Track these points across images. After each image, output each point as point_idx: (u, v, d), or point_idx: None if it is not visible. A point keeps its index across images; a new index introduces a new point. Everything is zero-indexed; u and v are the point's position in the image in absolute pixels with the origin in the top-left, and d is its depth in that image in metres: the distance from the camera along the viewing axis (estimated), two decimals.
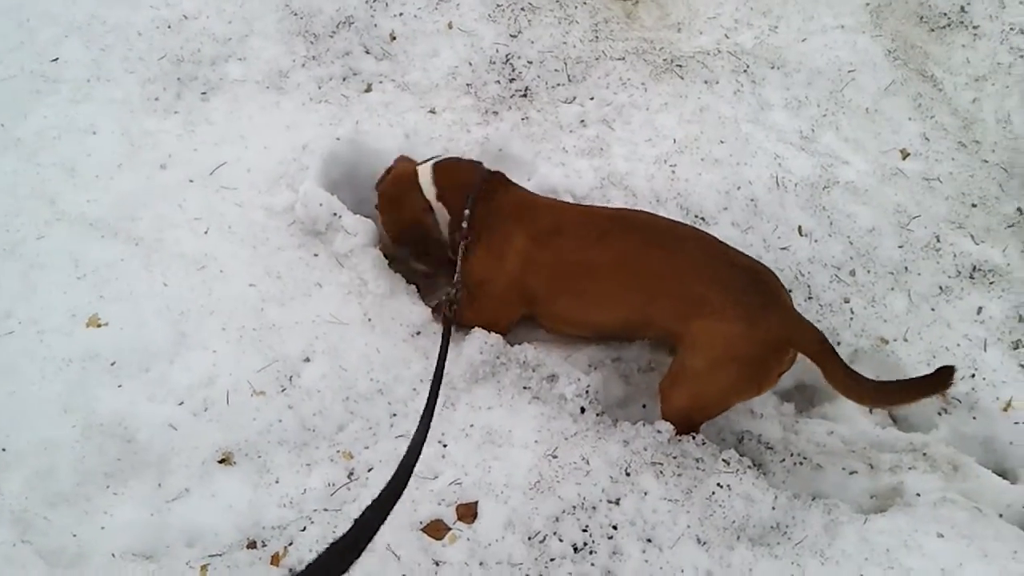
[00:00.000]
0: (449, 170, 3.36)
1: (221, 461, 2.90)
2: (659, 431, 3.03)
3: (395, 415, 3.11)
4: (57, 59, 4.13)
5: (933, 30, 4.70)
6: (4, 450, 2.82)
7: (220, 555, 2.68)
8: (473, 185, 3.26)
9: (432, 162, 3.37)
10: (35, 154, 3.70)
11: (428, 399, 2.69)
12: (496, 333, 3.30)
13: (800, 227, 3.77)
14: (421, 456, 2.84)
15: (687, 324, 2.94)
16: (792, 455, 3.14)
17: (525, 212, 3.22)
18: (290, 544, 2.73)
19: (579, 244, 3.11)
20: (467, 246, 3.23)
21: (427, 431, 2.56)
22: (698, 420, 3.09)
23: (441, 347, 2.96)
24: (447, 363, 2.96)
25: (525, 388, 3.17)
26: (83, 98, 3.96)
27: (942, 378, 2.66)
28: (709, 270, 2.94)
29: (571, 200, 3.64)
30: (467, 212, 3.22)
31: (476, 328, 3.30)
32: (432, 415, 2.64)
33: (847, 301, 3.58)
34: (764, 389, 3.04)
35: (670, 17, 4.84)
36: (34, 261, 3.33)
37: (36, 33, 4.24)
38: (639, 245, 3.04)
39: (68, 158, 3.71)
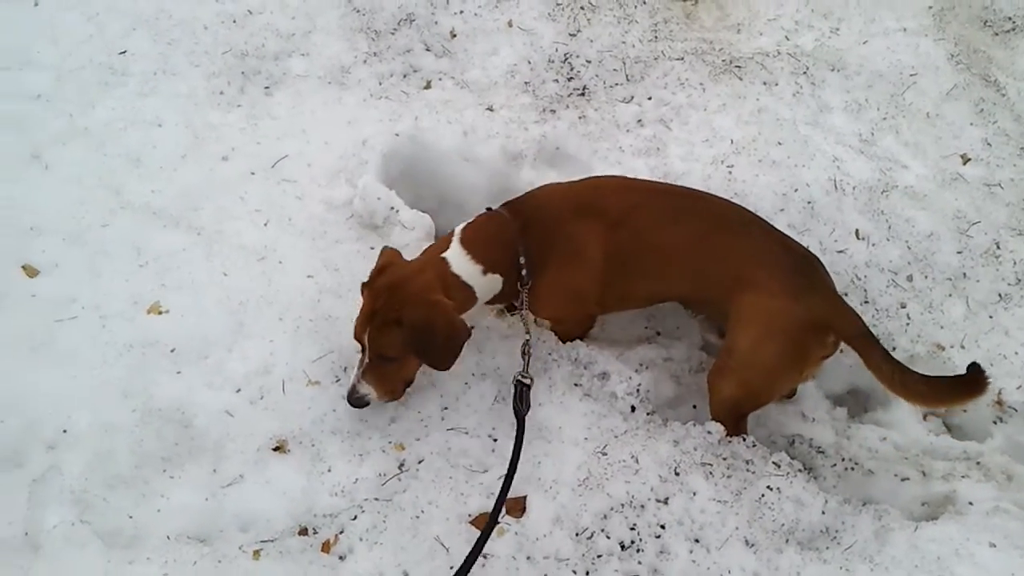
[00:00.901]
0: (478, 234, 3.08)
1: (275, 449, 2.95)
2: (709, 432, 3.03)
3: (446, 408, 3.13)
4: (125, 52, 4.23)
5: (997, 34, 4.63)
6: (65, 432, 2.89)
7: (272, 541, 2.73)
8: (509, 231, 3.05)
9: (457, 241, 3.05)
10: (102, 144, 3.80)
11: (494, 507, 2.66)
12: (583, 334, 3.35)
13: (857, 231, 3.73)
14: (472, 453, 2.90)
15: (736, 300, 2.95)
16: (843, 460, 3.12)
17: (591, 202, 3.11)
18: (341, 532, 2.77)
19: (654, 224, 3.08)
20: (534, 285, 3.09)
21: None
22: (746, 408, 3.07)
23: (514, 448, 2.82)
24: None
25: (576, 385, 3.18)
26: (149, 91, 4.05)
27: (978, 380, 2.64)
28: (762, 251, 2.97)
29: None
30: (524, 261, 3.04)
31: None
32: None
33: (903, 306, 3.54)
34: (806, 373, 3.02)
35: (730, 18, 4.82)
36: (98, 248, 3.42)
37: (105, 27, 4.34)
38: (708, 226, 3.05)
39: (134, 149, 3.80)
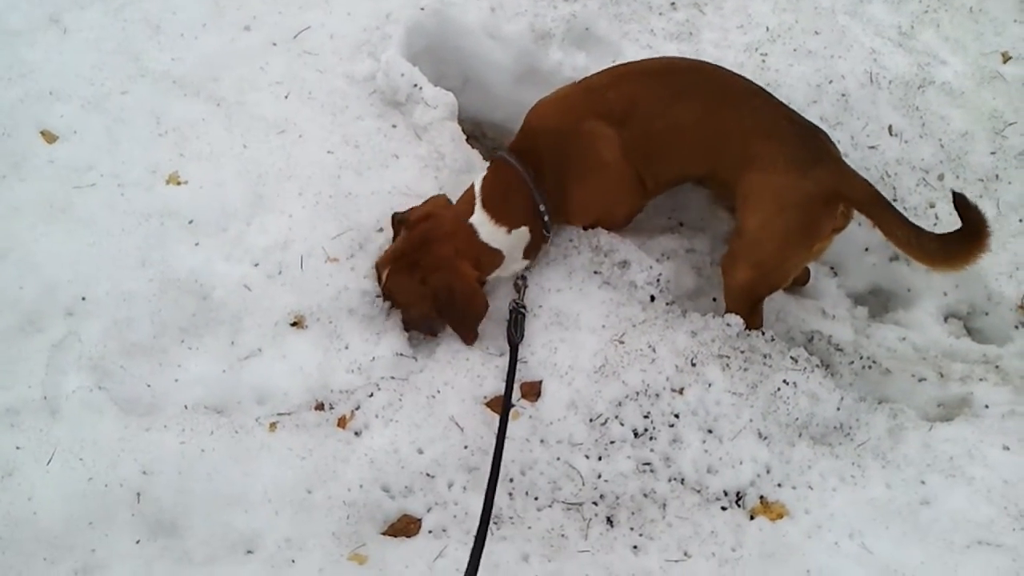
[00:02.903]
0: (500, 188, 3.04)
1: (293, 324, 2.95)
2: (728, 324, 3.01)
3: None
4: None
5: None
6: (84, 299, 2.90)
7: (289, 414, 2.76)
8: (523, 179, 3.02)
9: (480, 205, 3.01)
10: (121, 9, 3.72)
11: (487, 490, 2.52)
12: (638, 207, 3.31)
13: (890, 126, 3.64)
14: (488, 336, 2.88)
15: (743, 178, 2.90)
16: (861, 358, 3.10)
17: (589, 107, 3.04)
18: (357, 408, 2.79)
19: (659, 109, 3.00)
20: (556, 204, 3.07)
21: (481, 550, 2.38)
22: (760, 292, 3.04)
23: (508, 374, 2.81)
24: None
25: (596, 273, 3.15)
26: None
27: (978, 225, 2.58)
28: (767, 124, 2.90)
29: None
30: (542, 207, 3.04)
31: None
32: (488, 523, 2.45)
33: (932, 206, 3.47)
34: (817, 246, 2.96)
35: None
36: (117, 116, 3.37)
37: None
38: (711, 101, 2.97)
39: (153, 15, 3.72)
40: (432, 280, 2.88)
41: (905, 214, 3.28)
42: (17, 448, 2.57)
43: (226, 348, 2.89)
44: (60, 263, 2.96)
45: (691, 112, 2.97)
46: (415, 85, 3.51)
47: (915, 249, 2.69)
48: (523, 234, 3.03)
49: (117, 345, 2.83)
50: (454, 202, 3.10)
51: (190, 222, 3.12)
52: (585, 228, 3.23)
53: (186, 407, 2.74)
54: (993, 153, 3.61)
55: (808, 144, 2.85)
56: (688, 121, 2.97)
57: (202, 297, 2.96)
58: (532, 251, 3.10)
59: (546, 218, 3.06)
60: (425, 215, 3.00)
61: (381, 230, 3.18)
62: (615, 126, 3.00)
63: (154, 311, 2.91)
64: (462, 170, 3.36)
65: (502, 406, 2.71)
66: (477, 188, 3.04)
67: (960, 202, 2.60)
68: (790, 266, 3.01)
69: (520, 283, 3.09)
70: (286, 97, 3.49)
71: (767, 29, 3.90)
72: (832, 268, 3.43)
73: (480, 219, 2.99)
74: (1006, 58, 3.94)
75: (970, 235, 2.59)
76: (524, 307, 3.02)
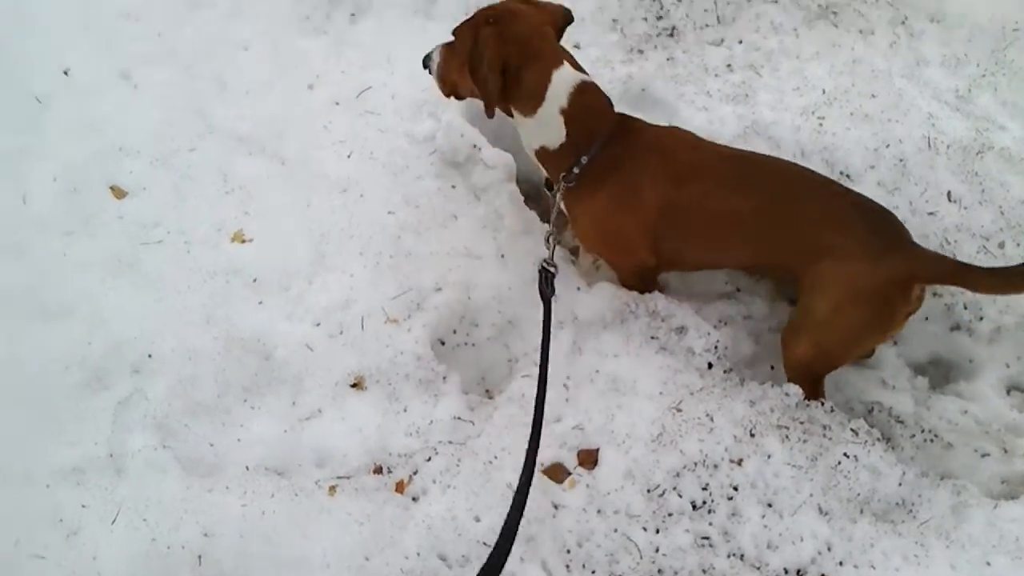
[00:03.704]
0: (593, 92, 3.00)
1: (353, 385, 2.98)
2: (787, 394, 2.99)
3: (525, 354, 3.15)
4: None
5: None
6: (150, 356, 2.95)
7: (348, 478, 2.78)
8: (605, 121, 3.01)
9: (581, 79, 2.96)
10: (190, 66, 3.81)
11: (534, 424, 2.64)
12: (639, 283, 3.26)
13: (949, 192, 3.62)
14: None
15: (812, 266, 2.87)
16: (923, 431, 3.07)
17: (662, 149, 3.03)
18: (415, 473, 2.81)
19: (719, 188, 2.97)
20: (578, 192, 3.05)
21: (531, 475, 2.50)
22: (821, 370, 3.02)
23: (544, 331, 2.88)
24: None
25: (653, 338, 3.15)
26: (237, 12, 4.04)
27: None
28: (837, 214, 2.86)
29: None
30: (587, 155, 2.98)
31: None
32: (538, 445, 2.58)
33: None
34: (890, 333, 2.96)
35: None
36: (185, 172, 3.45)
37: None
38: (776, 194, 2.93)
39: (220, 72, 3.81)
40: (490, 31, 2.87)
41: None
42: (83, 506, 2.62)
43: (287, 408, 2.93)
44: (127, 319, 3.03)
45: (752, 202, 2.93)
46: (474, 146, 3.56)
47: (1009, 286, 2.70)
48: (560, 127, 2.97)
49: (182, 403, 2.87)
50: None
51: (254, 280, 3.17)
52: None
53: (247, 468, 2.77)
54: None
55: (879, 230, 2.83)
56: (747, 210, 2.93)
57: (264, 356, 3.00)
58: (550, 160, 3.06)
59: (583, 160, 2.99)
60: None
61: (439, 290, 3.21)
62: (671, 182, 2.97)
63: (218, 370, 2.96)
64: (520, 232, 3.39)
65: (540, 365, 2.76)
66: (579, 74, 2.99)
67: None
68: (858, 350, 3.01)
69: (550, 239, 3.11)
70: (348, 156, 3.55)
71: (823, 92, 3.90)
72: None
73: (567, 69, 2.95)
74: None
75: None
76: (554, 265, 3.05)
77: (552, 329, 3.09)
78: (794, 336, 2.96)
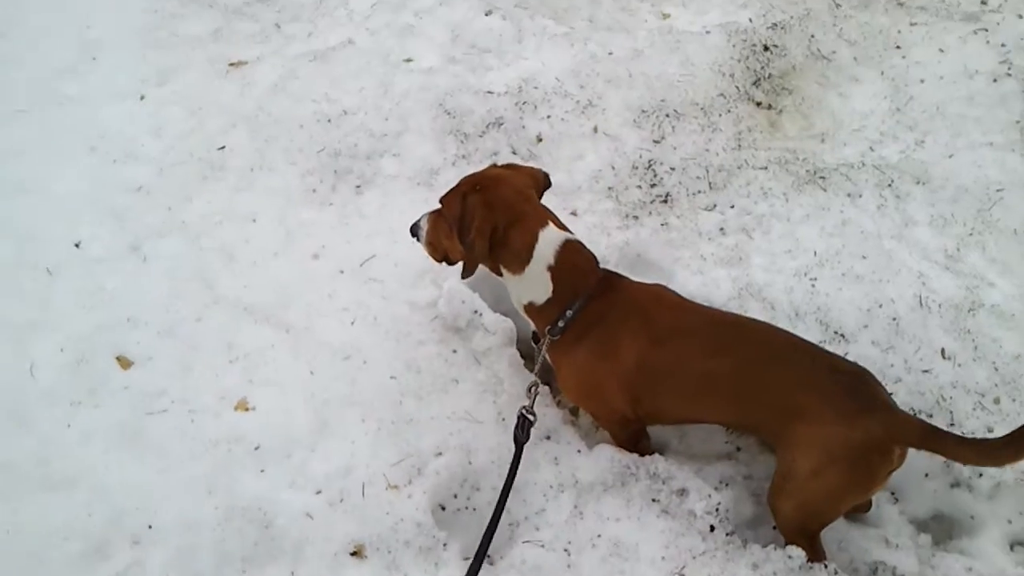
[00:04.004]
0: (578, 250, 3.14)
1: (353, 554, 2.97)
2: (790, 556, 2.96)
3: (526, 518, 3.14)
4: (224, 147, 4.41)
5: None
6: (150, 527, 2.96)
7: None
8: (590, 277, 3.11)
9: (566, 237, 3.11)
10: (198, 238, 3.94)
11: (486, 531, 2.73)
12: (623, 434, 3.29)
13: (943, 350, 3.67)
14: (547, 569, 2.87)
15: (787, 428, 2.87)
16: None
17: (643, 308, 3.11)
18: None
19: (696, 349, 3.03)
20: (561, 346, 3.13)
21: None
22: (813, 528, 3.00)
23: (509, 472, 2.95)
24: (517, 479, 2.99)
25: (654, 501, 3.15)
26: (246, 186, 4.21)
27: None
28: (812, 378, 2.88)
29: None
30: (572, 310, 3.07)
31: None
32: (489, 543, 2.69)
33: (991, 430, 3.45)
34: (873, 490, 2.96)
35: (814, 127, 4.84)
36: (191, 342, 3.53)
37: (206, 122, 4.54)
38: (753, 357, 2.97)
39: (228, 243, 3.94)
40: (474, 199, 3.02)
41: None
42: None
43: None
44: (129, 489, 3.06)
45: (730, 364, 2.97)
46: (475, 311, 3.65)
47: (986, 460, 2.71)
48: (547, 283, 3.07)
49: (179, 575, 2.86)
50: None
51: (256, 448, 3.20)
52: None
53: None
54: None
55: (855, 393, 2.83)
56: (725, 372, 2.97)
57: (265, 526, 3.00)
58: (537, 314, 3.14)
59: (567, 314, 3.06)
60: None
61: (440, 455, 3.23)
62: (650, 342, 3.03)
63: (218, 540, 2.96)
64: (520, 396, 3.43)
65: (497, 503, 2.82)
66: (565, 235, 3.13)
67: None
68: (843, 508, 2.99)
69: (533, 389, 3.15)
70: (352, 323, 3.64)
71: (815, 253, 4.01)
72: (893, 494, 3.38)
73: (552, 229, 3.09)
74: None
75: None
76: (533, 414, 3.10)
77: (553, 493, 3.12)
78: (778, 498, 2.96)
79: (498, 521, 2.77)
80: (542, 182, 3.27)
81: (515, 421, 3.11)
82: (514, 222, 3.05)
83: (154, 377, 3.42)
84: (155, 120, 4.57)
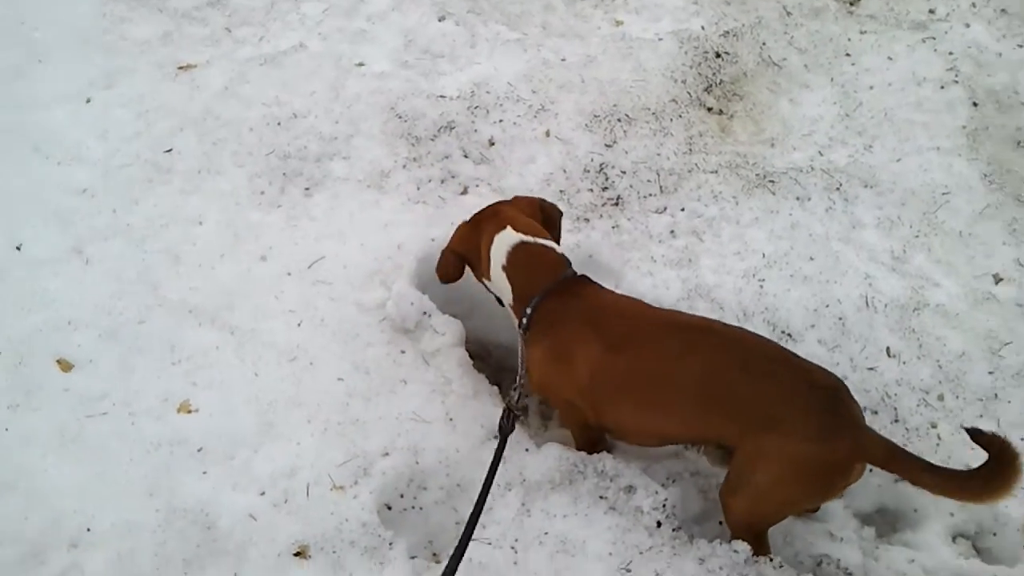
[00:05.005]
0: (533, 251, 3.23)
1: (297, 554, 2.93)
2: (736, 551, 2.96)
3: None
4: (171, 150, 4.36)
5: None
6: (89, 530, 2.91)
7: None
8: (546, 276, 3.17)
9: (521, 238, 3.22)
10: (143, 241, 3.89)
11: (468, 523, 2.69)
12: (584, 436, 3.29)
13: (888, 348, 3.71)
14: (493, 566, 2.85)
15: (757, 437, 2.82)
16: None
17: (601, 314, 3.11)
18: None
19: (660, 355, 3.00)
20: (528, 342, 3.17)
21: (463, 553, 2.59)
22: (760, 528, 3.01)
23: (493, 461, 2.93)
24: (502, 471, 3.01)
25: (602, 498, 3.14)
26: (193, 189, 4.16)
27: (1001, 450, 2.52)
28: (787, 390, 2.82)
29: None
30: (530, 307, 3.13)
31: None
32: (469, 538, 2.66)
33: (934, 426, 3.49)
34: (828, 500, 3.02)
35: (764, 132, 4.88)
36: (133, 345, 3.48)
37: (153, 125, 4.49)
38: (723, 364, 2.91)
39: (174, 246, 3.89)
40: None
41: (907, 434, 3.33)
42: None
43: None
44: (67, 494, 3.00)
45: (693, 372, 2.92)
46: (424, 313, 3.63)
47: (947, 492, 2.66)
48: (506, 283, 3.23)
49: None
50: None
51: (199, 450, 3.16)
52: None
53: None
54: (991, 373, 3.65)
55: (829, 409, 2.78)
56: (687, 379, 2.93)
57: (207, 527, 2.96)
58: (515, 313, 3.24)
59: (529, 313, 3.14)
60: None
61: (387, 455, 3.20)
62: (604, 350, 3.01)
63: (159, 543, 2.91)
64: (469, 395, 3.42)
65: (480, 495, 2.79)
66: (525, 237, 3.25)
67: (977, 438, 2.59)
68: (793, 512, 3.01)
69: (518, 382, 3.14)
70: (299, 325, 3.60)
71: (764, 256, 4.03)
72: None
73: (508, 232, 3.25)
74: (997, 279, 4.05)
75: (1001, 463, 2.54)
76: (519, 410, 3.11)
77: (500, 491, 3.10)
78: (732, 497, 2.94)
79: (481, 509, 2.74)
80: (538, 205, 3.48)
81: (501, 413, 3.13)
82: (480, 235, 3.28)
83: (95, 380, 3.36)
84: (101, 123, 4.51)
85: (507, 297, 3.25)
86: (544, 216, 3.46)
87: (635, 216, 4.24)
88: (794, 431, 2.76)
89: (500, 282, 3.25)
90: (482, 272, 3.32)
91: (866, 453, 2.75)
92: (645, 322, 3.10)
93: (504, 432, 3.05)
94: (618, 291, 3.40)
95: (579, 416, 3.21)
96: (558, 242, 3.43)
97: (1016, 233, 4.26)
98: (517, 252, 3.21)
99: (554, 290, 3.13)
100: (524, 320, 3.14)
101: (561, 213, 3.57)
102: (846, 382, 3.37)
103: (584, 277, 3.24)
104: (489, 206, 3.43)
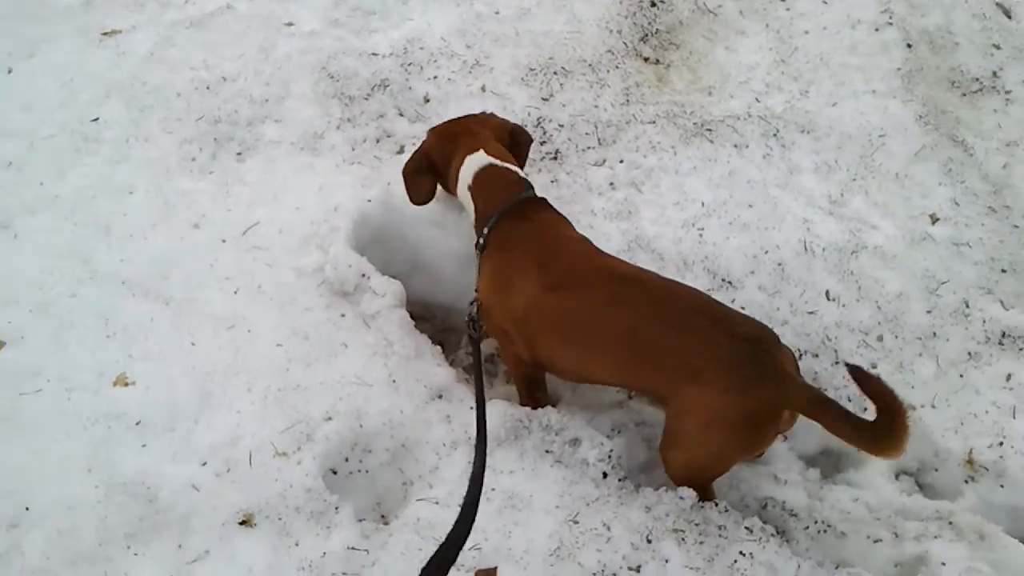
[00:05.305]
0: (497, 173, 3.39)
1: (242, 523, 2.90)
2: (681, 497, 2.99)
3: (420, 476, 3.11)
4: (98, 119, 4.25)
5: (965, 95, 4.69)
6: (27, 509, 2.86)
7: None
8: (504, 196, 3.31)
9: (490, 161, 3.40)
10: (72, 212, 3.80)
11: (477, 426, 2.74)
12: (522, 366, 3.31)
13: (828, 292, 3.74)
14: (442, 525, 2.85)
15: (682, 389, 2.87)
16: (816, 523, 3.09)
17: (546, 248, 3.16)
18: None
19: (588, 304, 3.03)
20: (482, 261, 3.29)
21: (484, 462, 2.63)
22: (701, 481, 3.05)
23: (475, 370, 3.01)
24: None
25: (547, 452, 3.15)
26: (121, 158, 4.06)
27: (887, 404, 2.58)
28: (711, 342, 2.83)
29: None
30: (488, 227, 3.26)
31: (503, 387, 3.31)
32: (485, 443, 2.69)
33: (875, 367, 3.53)
34: (760, 449, 3.04)
35: (701, 81, 4.86)
36: (65, 319, 3.40)
37: (78, 93, 4.38)
38: (650, 317, 2.94)
39: (104, 217, 3.79)
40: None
41: (848, 376, 3.36)
42: None
43: (173, 552, 2.83)
44: (3, 473, 2.94)
45: (624, 320, 2.96)
46: (363, 275, 3.59)
47: (860, 443, 2.68)
48: (470, 202, 3.41)
49: (60, 556, 2.77)
50: None
51: (137, 423, 3.11)
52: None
53: None
54: (929, 312, 3.70)
55: (748, 360, 2.79)
56: (617, 327, 2.96)
57: (149, 500, 2.92)
58: (477, 232, 3.37)
59: (485, 232, 3.27)
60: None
61: (330, 419, 3.17)
62: (541, 287, 3.06)
63: (100, 518, 2.86)
64: (411, 356, 3.40)
65: (476, 390, 2.89)
66: (492, 159, 3.43)
67: (856, 374, 2.64)
68: (732, 463, 3.03)
69: (473, 303, 3.23)
70: (235, 292, 3.54)
71: (702, 204, 4.03)
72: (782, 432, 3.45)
73: (480, 155, 3.42)
74: (934, 220, 4.09)
75: (889, 418, 2.59)
76: (479, 333, 3.17)
77: (446, 451, 3.10)
78: (669, 452, 2.99)
79: (484, 420, 2.78)
80: (507, 133, 3.65)
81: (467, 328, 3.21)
82: (452, 151, 3.48)
83: (27, 356, 3.28)
84: (24, 94, 4.38)
85: (471, 214, 3.40)
86: (512, 141, 3.64)
87: (574, 170, 4.21)
88: (714, 383, 2.79)
89: (465, 201, 3.44)
90: (450, 187, 3.54)
91: (789, 401, 2.78)
92: (584, 265, 3.13)
93: (475, 340, 3.13)
94: None
95: (513, 350, 3.25)
96: (522, 167, 3.58)
97: (951, 173, 4.30)
98: (484, 174, 3.38)
99: (509, 212, 3.26)
100: (481, 240, 3.27)
101: (531, 139, 3.78)
102: (786, 327, 3.45)
103: (543, 200, 3.36)
104: (463, 120, 3.66)
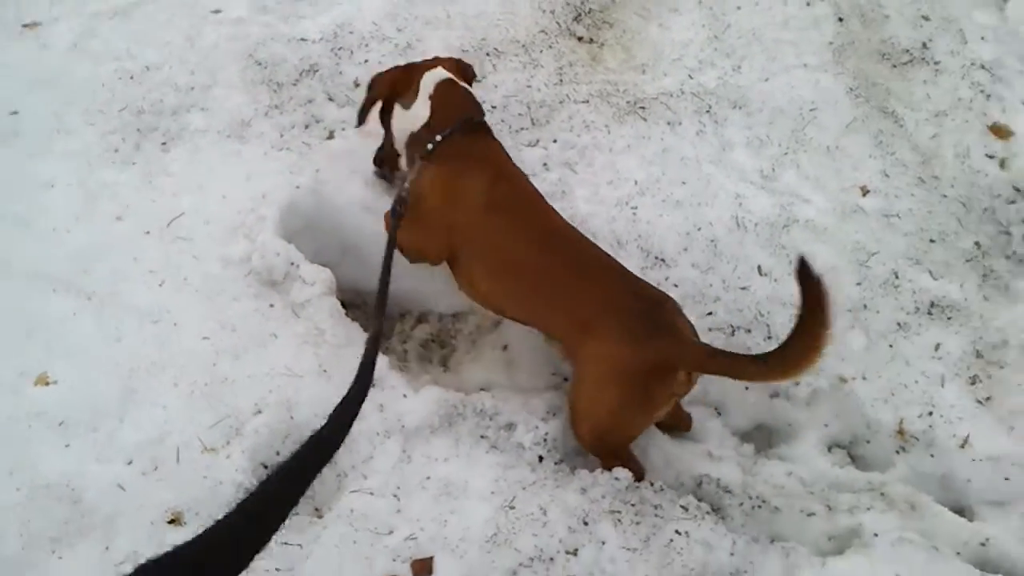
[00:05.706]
0: (457, 89, 3.50)
1: (171, 521, 2.84)
2: (617, 478, 2.98)
3: (354, 467, 3.07)
4: (17, 112, 4.12)
5: (895, 67, 4.71)
6: None
7: None
8: (464, 110, 3.41)
9: (451, 77, 3.51)
10: None
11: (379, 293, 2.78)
12: (426, 260, 3.40)
13: (760, 266, 3.75)
14: (376, 516, 2.81)
15: (580, 343, 2.96)
16: (750, 498, 3.10)
17: (492, 173, 3.25)
18: None
19: (516, 236, 3.13)
20: (426, 164, 3.30)
21: (381, 325, 2.68)
22: (608, 443, 3.06)
23: (385, 255, 2.98)
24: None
25: (483, 437, 3.13)
26: (42, 151, 3.94)
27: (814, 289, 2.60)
28: (612, 298, 2.96)
29: None
30: (441, 136, 3.32)
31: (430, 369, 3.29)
32: (383, 312, 2.75)
33: None
34: (657, 412, 3.01)
35: (635, 59, 4.84)
36: None
37: None
38: (567, 264, 3.05)
39: (23, 212, 3.68)
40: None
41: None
42: None
43: (100, 554, 2.76)
44: None
45: (540, 263, 3.08)
46: (292, 263, 3.52)
47: (768, 373, 2.72)
48: (427, 109, 3.41)
49: None
50: None
51: (60, 423, 3.03)
52: None
53: None
54: (859, 284, 3.73)
55: (647, 317, 2.89)
56: (534, 267, 3.08)
57: (73, 502, 2.85)
58: (416, 144, 3.43)
59: (429, 146, 3.33)
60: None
61: (260, 412, 3.12)
62: (479, 208, 3.16)
63: (23, 522, 2.79)
64: (342, 344, 3.34)
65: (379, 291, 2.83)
66: (450, 75, 3.53)
67: (803, 271, 2.63)
68: (629, 428, 3.05)
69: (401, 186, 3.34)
70: (160, 285, 3.46)
71: (636, 183, 4.02)
72: (716, 408, 3.45)
73: (439, 70, 3.52)
74: (864, 192, 4.11)
75: (812, 317, 2.60)
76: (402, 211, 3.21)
77: (379, 440, 3.06)
78: (573, 418, 3.04)
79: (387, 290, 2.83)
80: (459, 67, 3.69)
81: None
82: (412, 73, 3.53)
83: None
84: None
85: (419, 122, 3.40)
86: (462, 75, 3.67)
87: (508, 150, 4.16)
88: (608, 335, 2.88)
89: (420, 109, 3.42)
90: (405, 100, 3.48)
91: (684, 360, 2.84)
92: (526, 201, 3.27)
93: (397, 215, 3.18)
94: None
95: (422, 242, 3.34)
96: None
97: (882, 145, 4.33)
98: (445, 86, 3.46)
99: (468, 127, 3.37)
100: (431, 145, 3.30)
101: (475, 75, 3.82)
102: (718, 303, 3.47)
103: (487, 126, 3.50)
104: (420, 60, 3.70)
